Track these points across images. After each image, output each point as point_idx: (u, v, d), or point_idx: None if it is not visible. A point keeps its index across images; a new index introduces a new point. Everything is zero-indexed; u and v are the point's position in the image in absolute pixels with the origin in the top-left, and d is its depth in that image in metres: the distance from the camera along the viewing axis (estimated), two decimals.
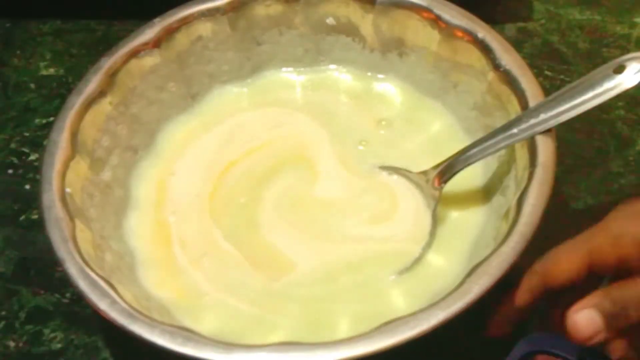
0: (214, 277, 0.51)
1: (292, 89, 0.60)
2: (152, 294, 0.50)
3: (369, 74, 0.59)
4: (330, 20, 0.58)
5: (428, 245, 0.51)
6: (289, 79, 0.60)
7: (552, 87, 0.60)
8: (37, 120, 0.64)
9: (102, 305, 0.44)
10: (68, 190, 0.49)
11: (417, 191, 0.53)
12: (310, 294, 0.50)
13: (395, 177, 0.54)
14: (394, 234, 0.52)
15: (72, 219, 0.48)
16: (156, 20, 0.56)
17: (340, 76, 0.60)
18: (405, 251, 0.51)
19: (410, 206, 0.53)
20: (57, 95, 0.65)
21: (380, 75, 0.59)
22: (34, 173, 0.60)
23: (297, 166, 0.55)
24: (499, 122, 0.52)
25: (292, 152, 0.56)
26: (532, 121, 0.48)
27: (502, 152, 0.51)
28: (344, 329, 0.48)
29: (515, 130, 0.48)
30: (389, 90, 0.59)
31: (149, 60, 0.56)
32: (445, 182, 0.51)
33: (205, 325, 0.48)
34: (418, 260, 0.50)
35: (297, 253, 0.51)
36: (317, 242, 0.52)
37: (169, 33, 0.56)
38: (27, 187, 0.60)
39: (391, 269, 0.50)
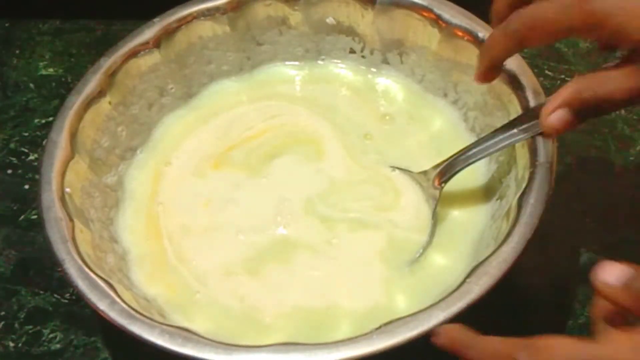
0: (206, 272, 0.51)
1: (292, 83, 0.60)
2: (144, 291, 0.49)
3: (370, 72, 0.59)
4: (330, 20, 0.58)
5: (428, 245, 0.51)
6: (289, 73, 0.60)
7: (552, 87, 0.60)
8: (36, 120, 0.63)
9: (102, 305, 0.44)
10: (67, 190, 0.49)
11: (418, 188, 0.53)
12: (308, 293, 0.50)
13: (397, 172, 0.54)
14: (397, 223, 0.52)
15: (71, 219, 0.48)
16: (155, 20, 0.56)
17: (340, 72, 0.60)
18: (406, 244, 0.51)
19: (412, 202, 0.53)
20: (56, 95, 0.65)
21: (381, 74, 0.59)
22: (33, 173, 0.60)
23: (298, 150, 0.55)
24: (500, 122, 0.51)
25: (291, 137, 0.56)
26: (533, 121, 0.47)
27: (502, 152, 0.51)
28: (343, 329, 0.48)
29: (515, 130, 0.48)
30: (391, 87, 0.59)
31: (149, 60, 0.56)
32: (446, 182, 0.51)
33: (198, 324, 0.48)
34: (418, 259, 0.50)
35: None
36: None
37: (169, 33, 0.56)
38: (26, 187, 0.60)
39: (392, 263, 0.50)
